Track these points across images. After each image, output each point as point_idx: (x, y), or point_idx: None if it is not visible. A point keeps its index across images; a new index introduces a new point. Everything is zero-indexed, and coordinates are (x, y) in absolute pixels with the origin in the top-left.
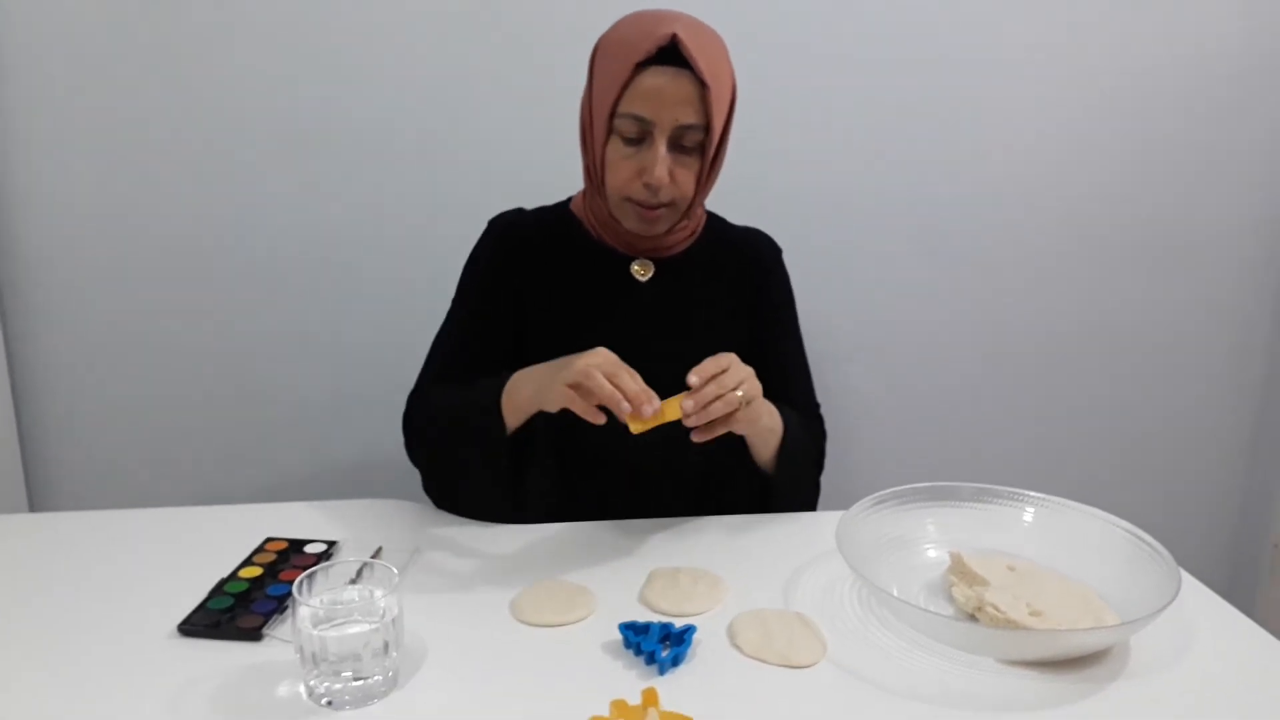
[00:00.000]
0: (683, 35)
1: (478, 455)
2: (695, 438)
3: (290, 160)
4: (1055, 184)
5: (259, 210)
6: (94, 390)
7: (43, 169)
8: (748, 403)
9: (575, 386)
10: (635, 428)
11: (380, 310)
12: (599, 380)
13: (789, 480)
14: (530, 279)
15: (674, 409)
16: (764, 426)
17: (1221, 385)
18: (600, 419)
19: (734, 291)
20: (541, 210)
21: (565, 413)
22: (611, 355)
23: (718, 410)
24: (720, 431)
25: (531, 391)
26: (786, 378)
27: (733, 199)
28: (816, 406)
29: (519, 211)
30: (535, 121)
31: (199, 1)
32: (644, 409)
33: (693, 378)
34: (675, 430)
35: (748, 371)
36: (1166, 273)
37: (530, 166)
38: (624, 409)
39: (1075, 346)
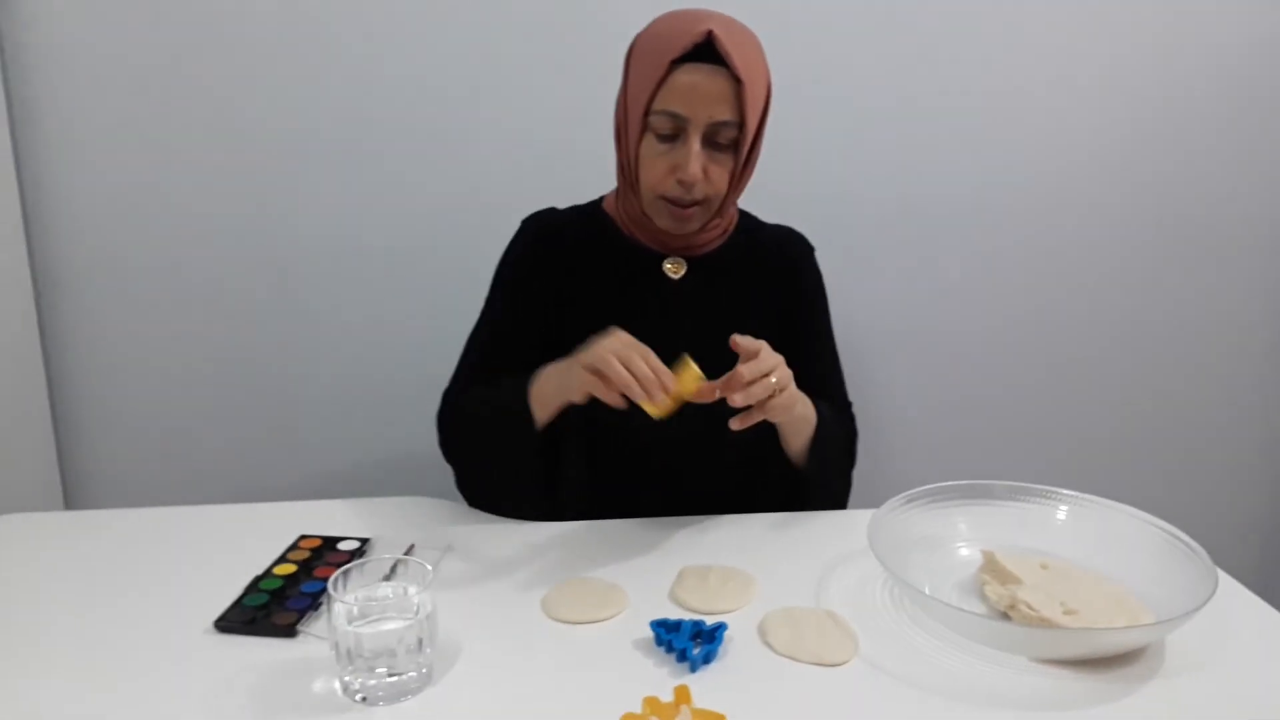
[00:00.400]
0: (718, 32)
1: (510, 452)
2: (733, 425)
3: (322, 159)
4: (1085, 180)
5: (291, 209)
6: (128, 388)
7: (78, 169)
8: (781, 389)
9: (595, 372)
10: (653, 411)
11: (413, 308)
12: (614, 366)
13: (821, 471)
14: (563, 277)
15: (689, 382)
16: (797, 415)
17: (1254, 381)
18: (621, 403)
19: (766, 289)
20: (574, 209)
21: (596, 409)
22: (627, 337)
23: (757, 393)
24: (757, 419)
25: (556, 384)
26: (819, 375)
27: (760, 196)
28: (848, 404)
29: (552, 210)
30: (567, 120)
31: (229, 13)
32: (655, 394)
33: (738, 337)
34: (707, 427)
35: (779, 359)
36: (1198, 268)
37: (562, 165)
38: (637, 394)
39: (1107, 343)
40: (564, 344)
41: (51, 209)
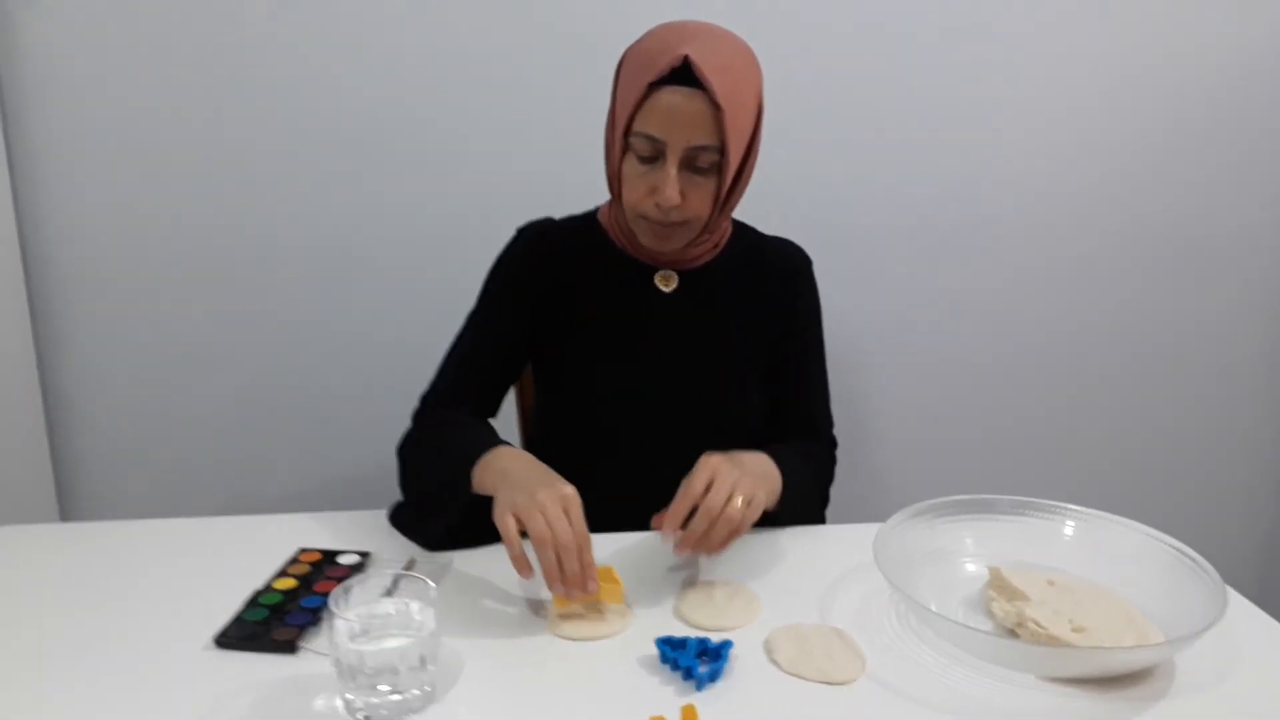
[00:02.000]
0: (696, 57)
1: (437, 500)
2: (704, 555)
3: (323, 166)
4: (1092, 190)
5: (290, 217)
6: (125, 399)
7: (72, 179)
8: (748, 504)
9: (519, 523)
10: (558, 604)
11: (415, 319)
12: (547, 552)
13: (788, 519)
14: (555, 288)
15: (615, 594)
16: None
17: (1257, 393)
18: (527, 575)
19: (761, 305)
20: (569, 220)
21: (609, 411)
22: (577, 510)
23: (721, 534)
24: (730, 544)
25: (493, 485)
26: (806, 396)
27: (761, 205)
28: (830, 425)
29: (548, 221)
30: (569, 126)
31: (227, 8)
32: (571, 594)
33: (668, 533)
34: (702, 443)
35: (736, 473)
36: (1203, 279)
37: (562, 171)
38: (554, 586)
39: (1112, 356)
40: (553, 355)
41: (47, 221)
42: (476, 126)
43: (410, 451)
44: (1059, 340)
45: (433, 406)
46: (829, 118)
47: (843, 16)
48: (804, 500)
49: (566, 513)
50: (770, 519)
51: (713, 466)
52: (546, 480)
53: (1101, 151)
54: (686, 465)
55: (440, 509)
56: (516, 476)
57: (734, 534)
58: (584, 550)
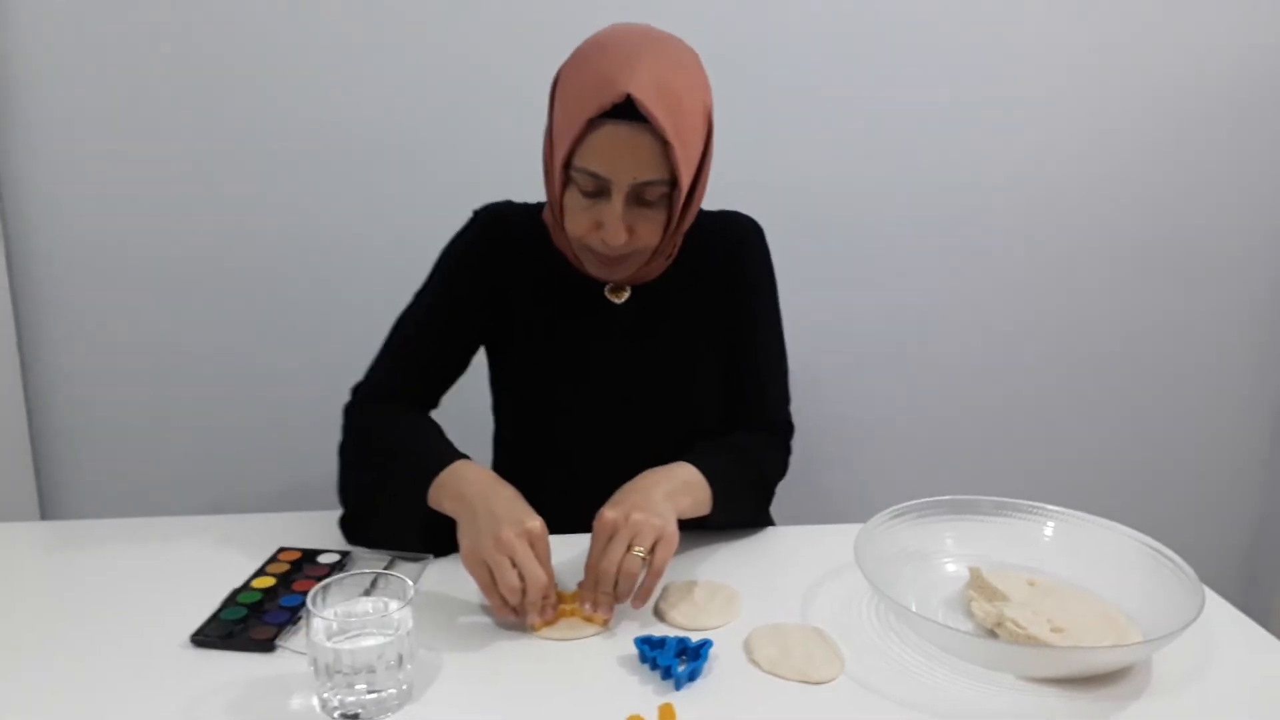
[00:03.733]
0: (639, 93)
1: (389, 507)
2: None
3: (302, 166)
4: (1076, 190)
5: (273, 218)
6: (106, 397)
7: (54, 179)
8: (651, 549)
9: (492, 569)
10: (541, 626)
11: (395, 316)
12: (516, 597)
13: (723, 521)
14: (507, 281)
15: (597, 619)
16: (685, 512)
17: (1242, 394)
18: (510, 617)
19: (711, 290)
20: (529, 207)
21: (563, 425)
22: (544, 546)
23: (627, 589)
24: (653, 588)
25: (453, 512)
26: (756, 373)
27: (753, 203)
28: (785, 406)
29: (507, 204)
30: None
31: (205, 12)
32: (530, 617)
33: (588, 606)
34: (661, 449)
35: (633, 520)
36: (1186, 283)
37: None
38: (513, 614)
39: (1095, 358)
40: (501, 353)
41: (29, 217)
42: (467, 128)
43: (351, 457)
44: (1042, 342)
45: (368, 399)
46: (820, 115)
47: (838, 13)
48: (736, 502)
49: (532, 546)
50: (702, 522)
51: (606, 527)
52: (511, 515)
53: (1094, 152)
54: (645, 467)
55: (395, 528)
56: (478, 507)
57: (650, 581)
58: (549, 595)
